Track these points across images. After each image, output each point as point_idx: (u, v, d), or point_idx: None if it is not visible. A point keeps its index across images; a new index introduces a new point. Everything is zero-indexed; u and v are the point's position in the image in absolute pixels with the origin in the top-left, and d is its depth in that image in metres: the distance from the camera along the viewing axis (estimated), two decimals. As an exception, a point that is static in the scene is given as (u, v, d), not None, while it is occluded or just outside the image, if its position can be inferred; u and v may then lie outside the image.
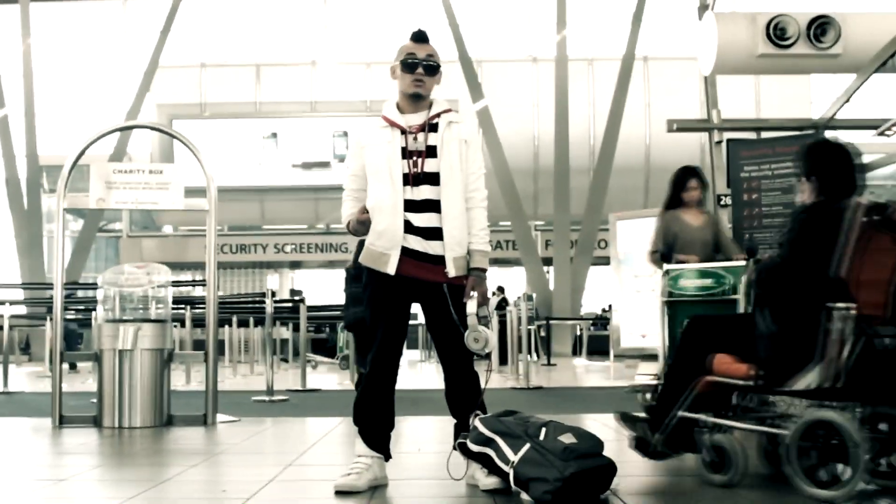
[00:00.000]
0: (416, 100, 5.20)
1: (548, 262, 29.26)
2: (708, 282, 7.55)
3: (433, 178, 5.08)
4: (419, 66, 5.15)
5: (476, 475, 5.07)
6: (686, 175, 8.68)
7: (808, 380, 4.71)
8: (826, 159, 5.17)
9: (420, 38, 5.23)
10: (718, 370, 5.13)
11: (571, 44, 28.32)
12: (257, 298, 19.64)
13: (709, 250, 8.38)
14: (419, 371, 20.21)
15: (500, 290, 26.79)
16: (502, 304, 22.52)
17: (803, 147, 5.37)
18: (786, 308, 4.90)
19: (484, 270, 5.16)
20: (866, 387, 4.71)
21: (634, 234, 13.87)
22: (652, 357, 9.45)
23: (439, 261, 5.07)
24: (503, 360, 17.97)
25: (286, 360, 21.91)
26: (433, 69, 5.18)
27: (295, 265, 36.37)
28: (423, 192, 5.07)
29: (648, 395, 6.67)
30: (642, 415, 5.66)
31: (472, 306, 5.04)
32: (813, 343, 4.71)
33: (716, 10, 14.16)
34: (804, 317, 4.75)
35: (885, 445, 4.81)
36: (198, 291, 23.28)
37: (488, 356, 5.21)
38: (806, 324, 4.73)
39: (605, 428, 7.30)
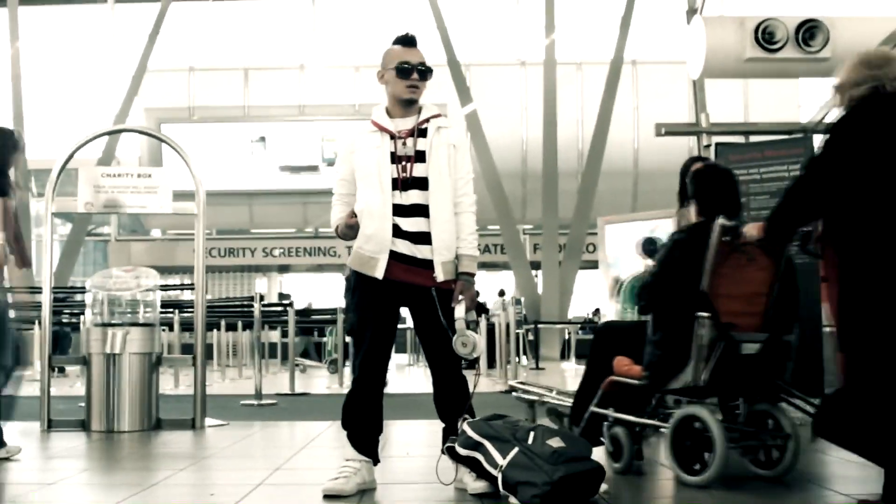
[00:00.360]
0: (408, 105, 5.21)
1: (536, 265, 29.28)
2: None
3: (422, 183, 5.09)
4: (414, 72, 5.16)
5: (464, 479, 5.07)
6: (689, 163, 7.58)
7: (683, 380, 5.33)
8: (705, 184, 5.73)
9: (410, 42, 5.25)
10: (618, 371, 5.77)
11: (560, 47, 28.35)
12: (245, 302, 19.63)
13: None
14: (408, 375, 20.21)
15: (500, 293, 26.79)
16: (482, 309, 22.45)
17: (691, 172, 6.01)
18: (664, 318, 5.51)
19: (472, 275, 5.17)
20: (727, 386, 5.46)
21: (623, 238, 13.89)
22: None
23: (427, 265, 5.08)
24: (491, 364, 17.98)
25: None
26: (427, 74, 5.21)
27: (283, 269, 36.36)
28: (412, 197, 5.08)
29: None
30: (567, 411, 6.40)
31: (460, 311, 5.05)
32: (688, 348, 5.28)
33: (704, 13, 14.19)
34: (679, 325, 5.34)
35: (764, 439, 5.50)
36: (186, 295, 23.20)
37: (476, 360, 5.23)
38: (681, 331, 5.32)
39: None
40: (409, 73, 5.17)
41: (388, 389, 5.31)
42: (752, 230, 5.15)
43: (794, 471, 5.37)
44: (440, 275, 5.07)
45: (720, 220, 5.28)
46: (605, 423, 5.80)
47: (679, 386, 5.39)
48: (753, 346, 5.34)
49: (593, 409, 5.87)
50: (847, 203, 4.53)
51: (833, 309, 4.69)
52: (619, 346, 5.90)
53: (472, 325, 5.10)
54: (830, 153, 4.59)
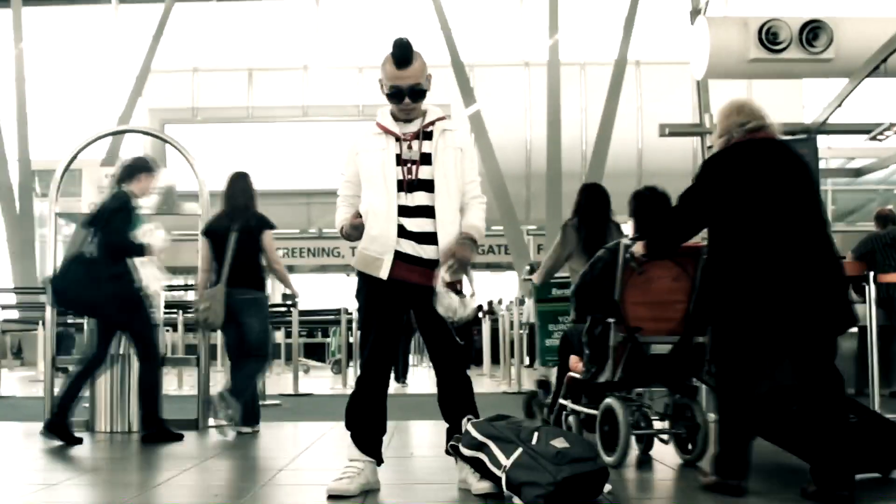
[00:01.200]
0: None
1: (540, 266, 29.23)
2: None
3: (427, 185, 5.09)
4: (405, 97, 5.12)
5: (468, 479, 5.07)
6: (583, 188, 8.97)
7: (605, 375, 6.05)
8: (640, 206, 6.63)
9: (403, 62, 5.07)
10: (572, 368, 6.62)
11: (564, 48, 28.31)
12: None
13: None
14: (411, 375, 20.20)
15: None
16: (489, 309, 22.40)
17: (632, 193, 6.82)
18: (590, 323, 6.22)
19: (473, 240, 5.13)
20: (639, 381, 6.29)
21: (626, 239, 13.87)
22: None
23: (432, 265, 5.07)
24: (495, 362, 17.98)
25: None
26: (419, 95, 5.14)
27: (287, 269, 36.29)
28: (418, 199, 5.08)
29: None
30: (547, 401, 7.41)
31: (444, 270, 4.98)
32: (606, 348, 6.01)
33: (708, 14, 14.20)
34: (599, 329, 6.09)
35: (690, 430, 6.13)
36: (190, 296, 23.18)
37: (464, 326, 5.26)
38: (601, 334, 6.08)
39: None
40: (401, 98, 5.12)
41: (392, 390, 5.29)
42: (637, 248, 5.75)
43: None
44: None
45: (623, 240, 5.99)
46: (564, 412, 6.75)
47: (603, 380, 6.09)
48: (663, 346, 6.05)
49: (560, 401, 6.82)
50: (710, 227, 5.23)
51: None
52: (575, 348, 6.58)
53: (455, 288, 5.02)
54: (695, 190, 5.23)
